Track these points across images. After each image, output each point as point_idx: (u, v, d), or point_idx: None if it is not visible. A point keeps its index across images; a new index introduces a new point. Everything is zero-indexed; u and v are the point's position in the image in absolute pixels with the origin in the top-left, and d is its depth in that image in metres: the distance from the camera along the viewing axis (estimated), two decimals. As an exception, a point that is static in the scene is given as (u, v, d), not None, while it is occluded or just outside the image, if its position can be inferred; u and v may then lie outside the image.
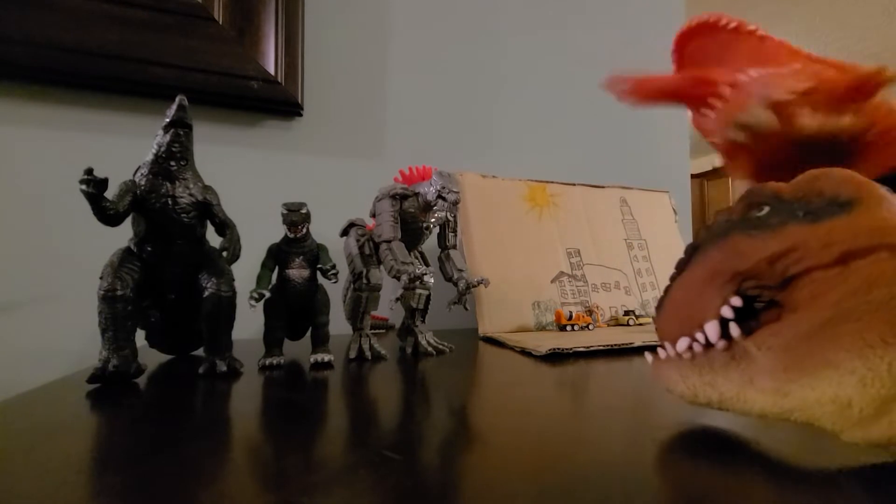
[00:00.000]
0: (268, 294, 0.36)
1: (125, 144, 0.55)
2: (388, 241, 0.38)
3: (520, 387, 0.28)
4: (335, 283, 0.37)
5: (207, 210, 0.33)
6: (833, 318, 0.15)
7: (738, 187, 0.24)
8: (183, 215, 0.31)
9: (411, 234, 0.41)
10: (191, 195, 0.32)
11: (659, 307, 0.21)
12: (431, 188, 0.38)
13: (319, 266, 0.37)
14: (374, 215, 0.40)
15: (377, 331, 0.56)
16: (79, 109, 0.54)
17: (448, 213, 0.42)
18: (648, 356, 0.21)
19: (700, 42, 0.23)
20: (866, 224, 0.15)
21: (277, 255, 0.37)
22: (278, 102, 0.60)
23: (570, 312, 0.54)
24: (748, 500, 0.13)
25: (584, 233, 0.64)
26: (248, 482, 0.15)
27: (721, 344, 0.18)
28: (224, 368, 0.32)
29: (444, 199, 0.37)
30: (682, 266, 0.20)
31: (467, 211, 0.57)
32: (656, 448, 0.17)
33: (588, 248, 0.63)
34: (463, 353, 0.42)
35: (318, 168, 0.65)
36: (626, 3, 0.87)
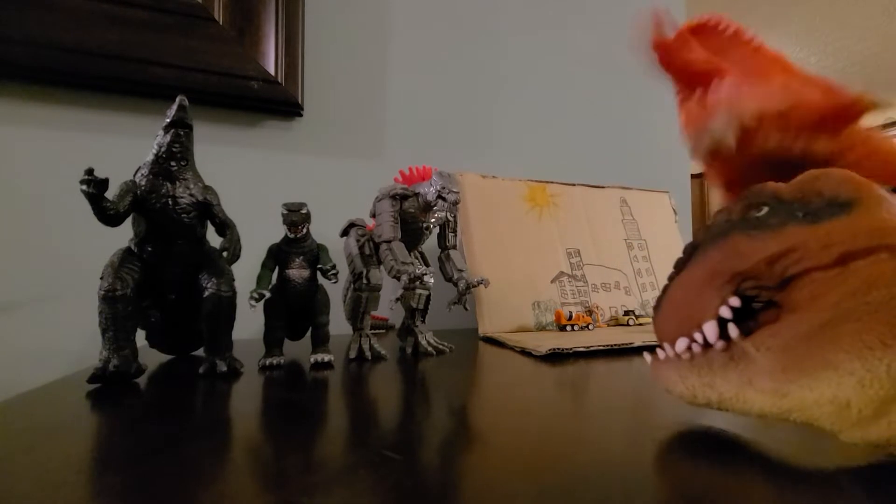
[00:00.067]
0: (268, 294, 0.36)
1: (125, 144, 0.55)
2: (388, 242, 0.38)
3: (520, 387, 0.28)
4: (335, 283, 0.37)
5: (208, 210, 0.33)
6: (832, 320, 0.15)
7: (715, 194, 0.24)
8: (183, 215, 0.31)
9: (411, 234, 0.41)
10: (191, 195, 0.32)
11: (657, 307, 0.21)
12: (431, 188, 0.38)
13: (319, 266, 0.37)
14: (374, 215, 0.40)
15: (377, 331, 0.56)
16: (79, 109, 0.54)
17: (448, 214, 0.42)
18: (647, 357, 0.21)
19: (698, 42, 0.23)
20: (866, 225, 0.15)
21: (277, 255, 0.37)
22: (278, 102, 0.60)
23: (570, 312, 0.54)
24: (748, 500, 0.13)
25: (584, 233, 0.64)
26: (248, 482, 0.15)
27: (720, 344, 0.18)
28: (224, 368, 0.32)
29: (444, 199, 0.37)
30: (680, 266, 0.20)
31: (467, 211, 0.57)
32: (656, 448, 0.17)
33: (588, 248, 0.63)
34: (463, 353, 0.42)
35: (318, 168, 0.65)
36: (626, 3, 0.87)
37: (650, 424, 0.21)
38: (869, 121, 0.20)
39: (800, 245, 0.16)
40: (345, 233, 0.41)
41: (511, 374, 0.32)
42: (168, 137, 0.30)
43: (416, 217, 0.40)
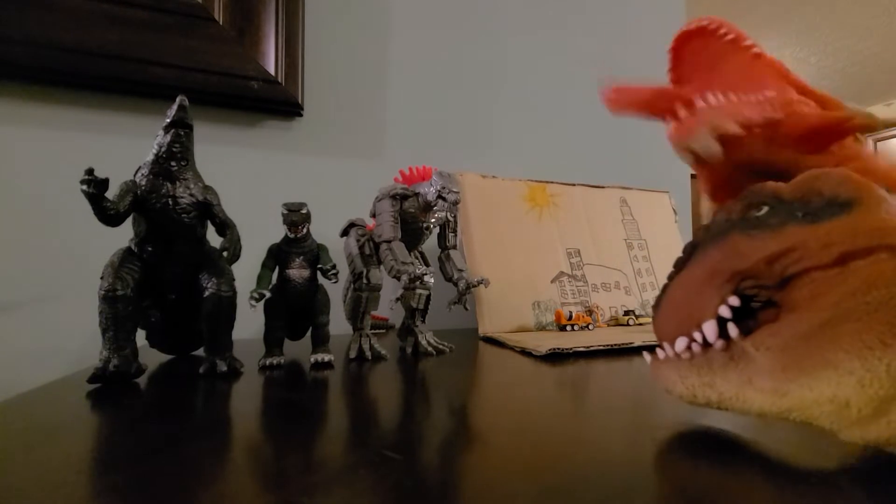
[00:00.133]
0: (268, 294, 0.36)
1: (125, 144, 0.55)
2: (389, 241, 0.38)
3: (520, 387, 0.28)
4: (335, 283, 0.37)
5: (208, 210, 0.33)
6: (832, 319, 0.15)
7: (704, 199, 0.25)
8: (183, 215, 0.31)
9: (411, 234, 0.41)
10: (191, 195, 0.32)
11: (656, 306, 0.21)
12: (431, 188, 0.38)
13: (320, 266, 0.37)
14: (374, 215, 0.40)
15: (377, 331, 0.56)
16: (79, 109, 0.54)
17: (448, 213, 0.42)
18: (647, 356, 0.21)
19: (696, 45, 0.22)
20: (866, 225, 0.15)
21: (278, 255, 0.37)
22: (278, 102, 0.60)
23: (570, 312, 0.54)
24: (748, 500, 0.13)
25: (584, 233, 0.64)
26: (248, 482, 0.15)
27: (719, 344, 0.18)
28: (224, 368, 0.32)
29: (444, 199, 0.37)
30: (680, 265, 0.20)
31: (467, 211, 0.57)
32: (656, 448, 0.17)
33: (588, 248, 0.64)
34: (463, 353, 0.42)
35: (318, 168, 0.65)
36: (626, 4, 0.87)
37: (650, 424, 0.21)
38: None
39: (799, 245, 0.16)
40: (345, 233, 0.41)
41: (511, 374, 0.32)
42: (168, 137, 0.30)
43: (416, 217, 0.40)
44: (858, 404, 0.14)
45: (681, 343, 0.19)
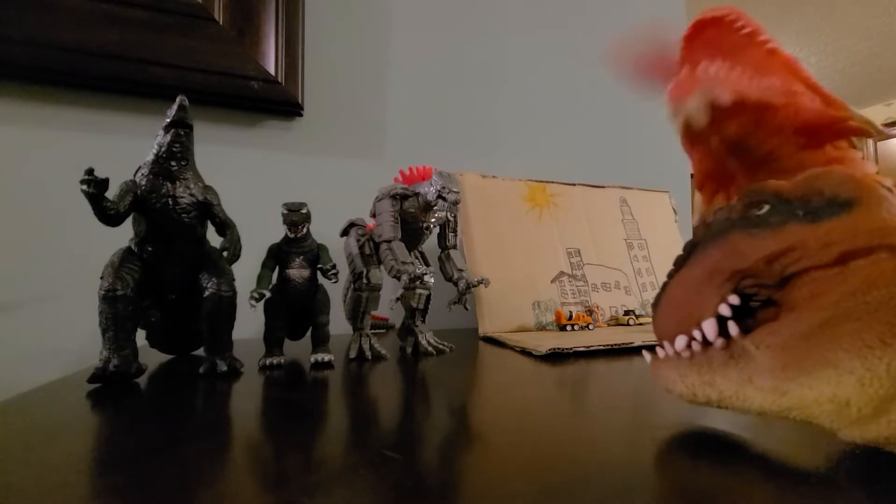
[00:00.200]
0: (268, 294, 0.36)
1: (125, 144, 0.55)
2: (389, 241, 0.38)
3: (520, 387, 0.28)
4: (335, 283, 0.37)
5: (208, 210, 0.33)
6: (832, 318, 0.15)
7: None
8: (183, 215, 0.31)
9: (411, 234, 0.41)
10: (191, 195, 0.32)
11: (656, 304, 0.21)
12: (431, 188, 0.38)
13: (320, 266, 0.37)
14: (374, 215, 0.40)
15: (377, 331, 0.56)
16: (79, 109, 0.54)
17: (448, 213, 0.42)
18: (647, 355, 0.21)
19: (710, 35, 0.22)
20: (866, 224, 0.15)
21: (278, 255, 0.37)
22: (278, 102, 0.60)
23: (570, 312, 0.54)
24: (748, 500, 0.13)
25: (584, 233, 0.64)
26: (248, 482, 0.15)
27: (719, 342, 0.18)
28: (224, 368, 0.32)
29: (444, 199, 0.37)
30: (680, 263, 0.20)
31: (467, 211, 0.57)
32: (656, 448, 0.17)
33: (588, 248, 0.63)
34: (463, 353, 0.42)
35: (318, 168, 0.65)
36: (626, 3, 0.87)
37: (650, 424, 0.21)
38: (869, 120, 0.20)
39: (800, 244, 0.16)
40: (345, 233, 0.41)
41: (511, 374, 0.32)
42: (168, 137, 0.30)
43: (417, 217, 0.40)
44: (858, 403, 0.14)
45: (680, 342, 0.19)
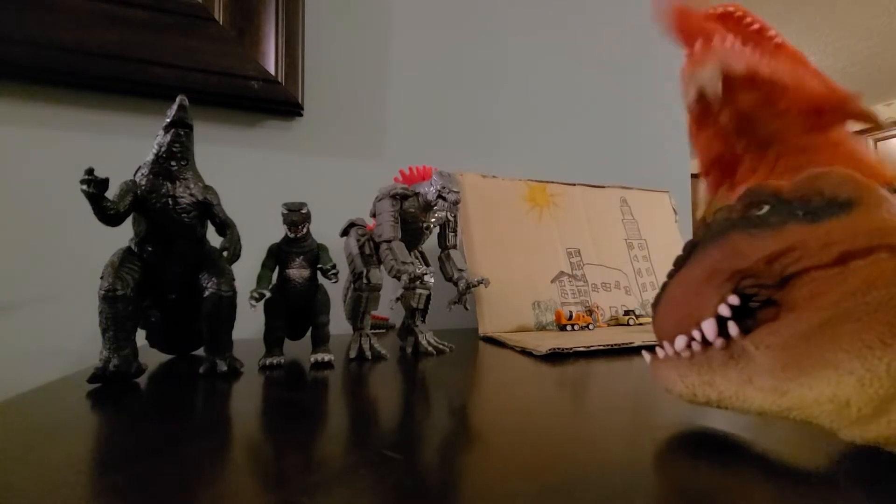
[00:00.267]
0: (268, 294, 0.36)
1: (125, 144, 0.55)
2: (389, 241, 0.38)
3: (520, 387, 0.28)
4: (335, 283, 0.37)
5: (208, 210, 0.33)
6: (832, 319, 0.15)
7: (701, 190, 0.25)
8: (183, 215, 0.31)
9: (411, 234, 0.41)
10: (191, 195, 0.32)
11: (656, 304, 0.21)
12: (431, 188, 0.38)
13: (320, 266, 0.37)
14: (374, 215, 0.40)
15: (377, 331, 0.56)
16: (79, 109, 0.54)
17: (448, 213, 0.42)
18: (647, 355, 0.21)
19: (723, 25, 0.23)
20: (866, 225, 0.15)
21: (278, 255, 0.37)
22: (278, 102, 0.60)
23: (570, 312, 0.54)
24: (748, 500, 0.13)
25: (584, 233, 0.64)
26: (248, 482, 0.15)
27: (719, 343, 0.18)
28: (224, 368, 0.32)
29: (444, 199, 0.37)
30: (680, 263, 0.20)
31: (467, 211, 0.57)
32: (656, 448, 0.17)
33: (588, 247, 0.63)
34: (463, 353, 0.42)
35: (318, 168, 0.65)
36: (626, 3, 0.87)
37: (650, 424, 0.21)
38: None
39: (800, 244, 0.16)
40: (345, 233, 0.41)
41: (511, 374, 0.32)
42: (168, 137, 0.30)
43: (417, 217, 0.40)
44: (858, 404, 0.14)
45: (680, 342, 0.19)
